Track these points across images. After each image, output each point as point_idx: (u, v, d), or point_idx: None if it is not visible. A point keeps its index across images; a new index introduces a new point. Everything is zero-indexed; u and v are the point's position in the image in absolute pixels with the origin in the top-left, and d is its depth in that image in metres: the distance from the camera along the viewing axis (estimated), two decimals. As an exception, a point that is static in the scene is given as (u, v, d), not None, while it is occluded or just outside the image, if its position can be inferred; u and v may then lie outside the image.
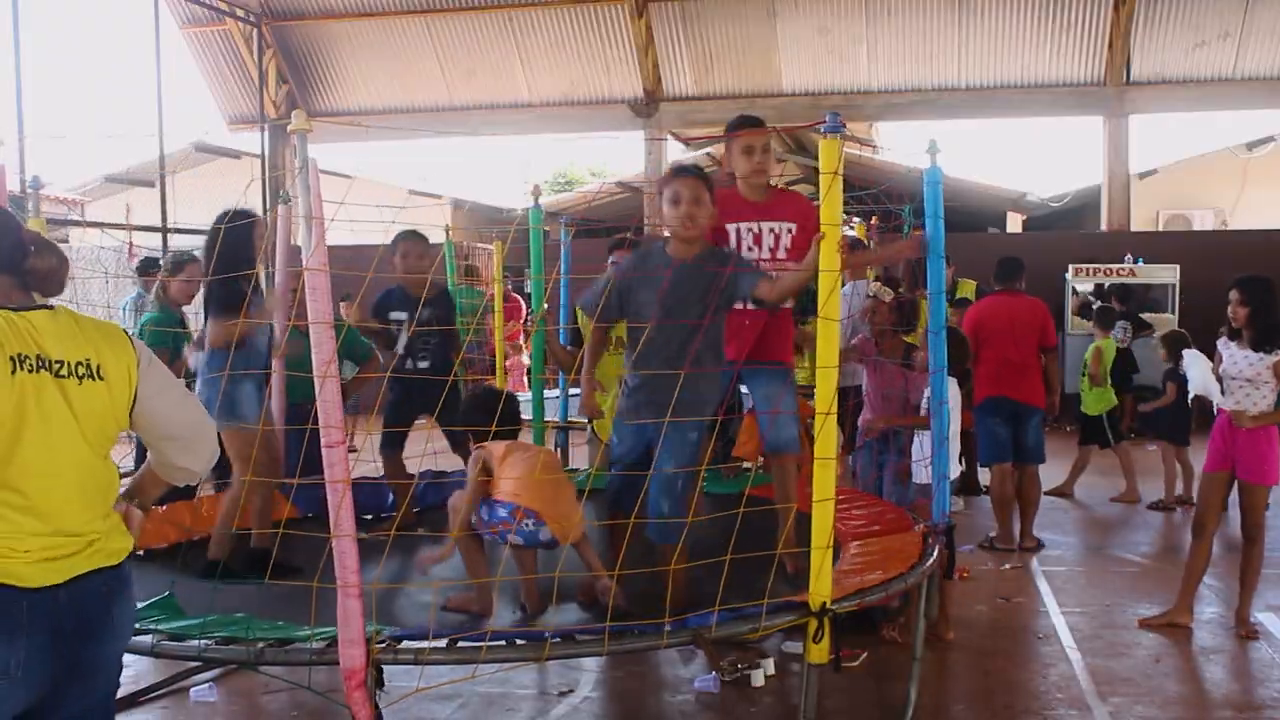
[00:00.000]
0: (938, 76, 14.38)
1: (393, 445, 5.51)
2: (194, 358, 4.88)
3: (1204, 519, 5.39)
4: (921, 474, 5.43)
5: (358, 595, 2.98)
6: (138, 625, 3.38)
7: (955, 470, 5.16)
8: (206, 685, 4.61)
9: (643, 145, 15.44)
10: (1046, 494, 8.54)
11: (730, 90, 14.98)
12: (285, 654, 3.23)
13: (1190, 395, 5.98)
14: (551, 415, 7.52)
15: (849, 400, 5.63)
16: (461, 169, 30.09)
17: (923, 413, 5.59)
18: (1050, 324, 7.14)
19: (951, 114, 14.80)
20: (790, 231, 4.37)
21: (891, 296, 5.78)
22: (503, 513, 3.95)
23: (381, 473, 5.61)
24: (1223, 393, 5.36)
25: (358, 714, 3.03)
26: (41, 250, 2.39)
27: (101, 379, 2.37)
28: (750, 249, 4.36)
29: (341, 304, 7.61)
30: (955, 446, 4.98)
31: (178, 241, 10.39)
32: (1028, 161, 36.67)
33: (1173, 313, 11.95)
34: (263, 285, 4.80)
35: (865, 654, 4.84)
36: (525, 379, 9.35)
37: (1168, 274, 12.24)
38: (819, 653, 3.35)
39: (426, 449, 5.47)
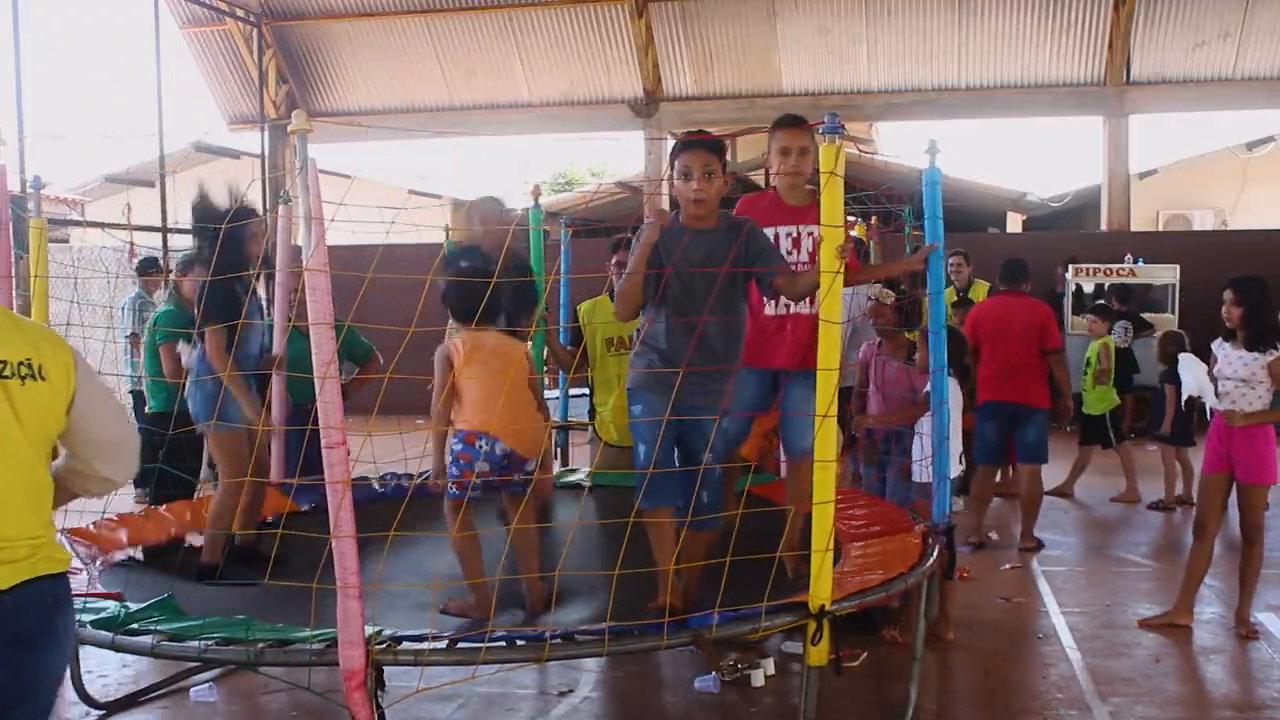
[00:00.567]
0: (938, 76, 14.38)
1: None
2: (187, 355, 4.87)
3: (1205, 520, 5.39)
4: (921, 473, 5.44)
5: (357, 596, 2.98)
6: (137, 625, 3.40)
7: (955, 470, 5.16)
8: (206, 685, 4.61)
9: (643, 145, 15.44)
10: (1046, 494, 8.55)
11: (730, 90, 14.98)
12: (285, 655, 3.23)
13: (1184, 397, 5.98)
14: (551, 415, 7.51)
15: (848, 401, 5.63)
16: (461, 169, 30.10)
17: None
18: (1052, 325, 7.09)
19: (951, 114, 14.80)
20: (814, 236, 4.24)
21: (893, 299, 5.79)
22: (457, 445, 4.01)
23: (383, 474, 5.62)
24: (1216, 394, 5.36)
25: (357, 714, 3.03)
26: None
27: (43, 379, 2.32)
28: (789, 253, 4.33)
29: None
30: (956, 446, 4.98)
31: (178, 242, 10.39)
32: (1028, 161, 36.73)
33: (1173, 313, 11.94)
34: (258, 288, 4.78)
35: (865, 654, 4.84)
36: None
37: (1168, 274, 12.24)
38: (818, 654, 3.36)
39: (426, 449, 5.47)
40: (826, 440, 3.35)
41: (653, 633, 3.35)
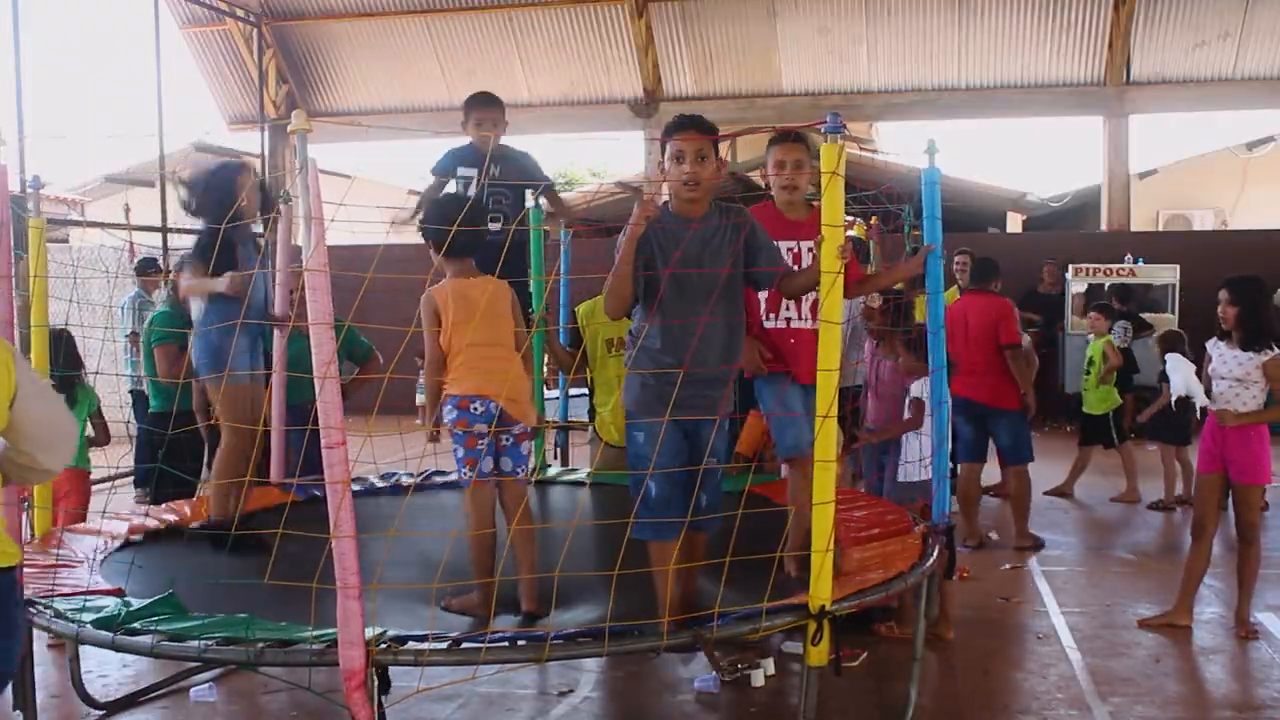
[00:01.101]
0: (938, 76, 14.38)
1: None
2: (194, 308, 4.90)
3: (1203, 521, 5.39)
4: (911, 473, 5.46)
5: (357, 596, 2.98)
6: (139, 624, 3.39)
7: (921, 474, 5.23)
8: (206, 685, 4.61)
9: (643, 145, 15.43)
10: (1046, 494, 8.56)
11: (730, 90, 14.98)
12: (285, 654, 3.23)
13: (1174, 398, 6.00)
14: (551, 415, 7.52)
15: (848, 401, 5.64)
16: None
17: (906, 410, 5.63)
18: (1007, 322, 6.98)
19: (951, 114, 14.80)
20: (814, 251, 4.27)
21: (880, 301, 5.82)
22: (451, 414, 3.98)
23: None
24: (1209, 394, 5.37)
25: (357, 715, 3.03)
26: None
27: None
28: (790, 269, 4.33)
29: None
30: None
31: (177, 242, 10.38)
32: (1028, 161, 36.70)
33: (1173, 313, 11.94)
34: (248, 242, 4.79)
35: (865, 654, 4.85)
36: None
37: (1168, 274, 12.24)
38: (818, 654, 3.35)
39: (425, 449, 5.47)
40: (826, 440, 3.35)
41: (653, 633, 3.35)
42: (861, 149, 15.91)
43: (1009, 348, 6.93)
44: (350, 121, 15.31)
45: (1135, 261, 12.38)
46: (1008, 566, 6.59)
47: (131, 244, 9.57)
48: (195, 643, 3.28)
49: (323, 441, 2.96)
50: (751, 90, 14.91)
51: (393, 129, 15.58)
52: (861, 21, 14.08)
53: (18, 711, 3.76)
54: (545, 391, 7.14)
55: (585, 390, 6.22)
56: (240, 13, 14.47)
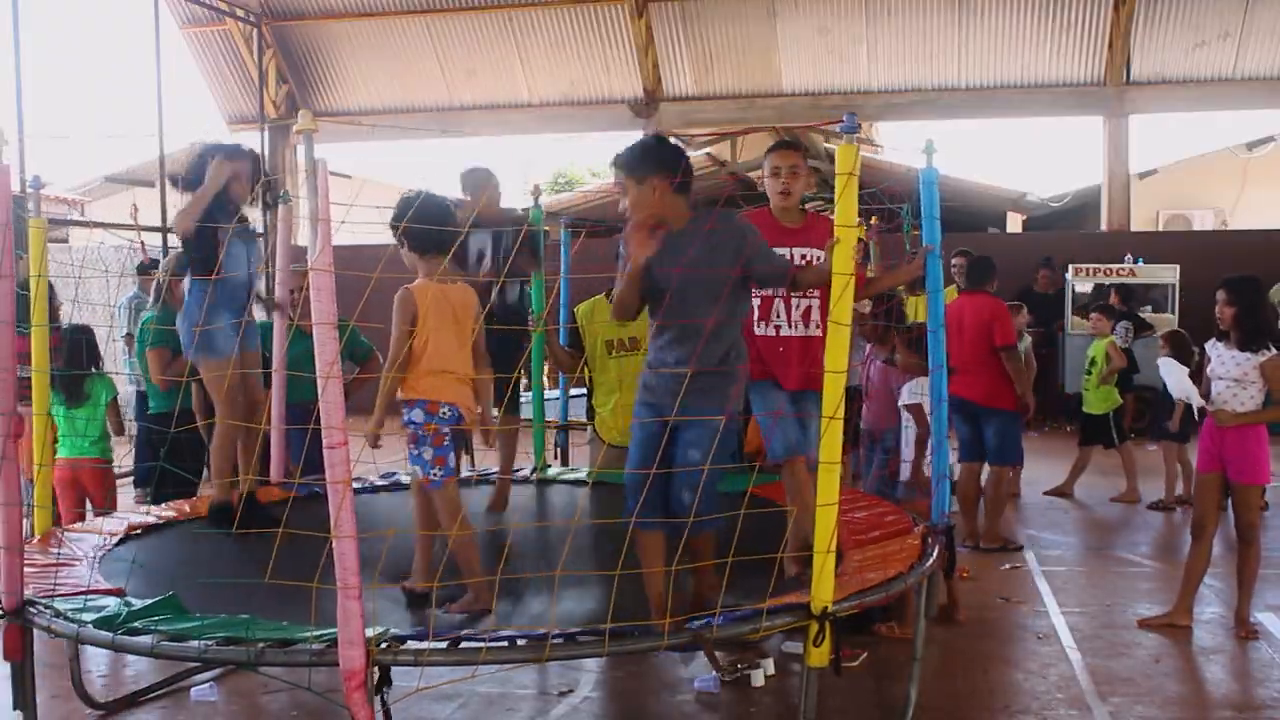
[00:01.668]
0: (938, 76, 14.37)
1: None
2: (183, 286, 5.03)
3: (1203, 521, 5.39)
4: (908, 471, 5.49)
5: (357, 596, 2.98)
6: (139, 625, 3.39)
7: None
8: (207, 685, 4.61)
9: (642, 145, 15.41)
10: (1046, 494, 8.57)
11: (730, 90, 14.98)
12: (285, 654, 3.23)
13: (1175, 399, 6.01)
14: (551, 415, 7.52)
15: (851, 401, 5.65)
16: (461, 169, 30.06)
17: (903, 405, 5.65)
18: (1001, 322, 6.97)
19: (951, 114, 14.80)
20: (818, 259, 4.20)
21: (870, 307, 5.85)
22: (419, 417, 3.99)
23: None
24: (1207, 395, 5.37)
25: (357, 715, 3.03)
26: None
27: None
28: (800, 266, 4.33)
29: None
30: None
31: (178, 242, 10.36)
32: (1028, 161, 36.69)
33: (1173, 313, 11.94)
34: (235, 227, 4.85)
35: (865, 654, 4.85)
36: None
37: (1168, 274, 12.24)
38: (819, 656, 3.35)
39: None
40: (831, 441, 3.35)
41: (653, 633, 3.35)
42: (861, 149, 15.91)
43: (1004, 349, 6.92)
44: (351, 121, 15.31)
45: (1135, 261, 12.38)
46: (1008, 566, 6.59)
47: (142, 244, 9.58)
48: (195, 643, 3.28)
49: (324, 441, 2.96)
50: (751, 90, 14.91)
51: (393, 129, 15.58)
52: (861, 21, 14.07)
53: (18, 711, 3.76)
54: (545, 391, 7.14)
55: (584, 390, 6.22)
56: (240, 13, 14.46)
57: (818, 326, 4.23)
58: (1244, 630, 5.25)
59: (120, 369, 8.02)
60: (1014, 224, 19.66)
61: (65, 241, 14.11)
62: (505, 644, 3.29)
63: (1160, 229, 16.88)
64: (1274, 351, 5.16)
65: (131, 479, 6.96)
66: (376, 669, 3.08)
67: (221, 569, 4.13)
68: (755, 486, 4.82)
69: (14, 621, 3.63)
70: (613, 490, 5.41)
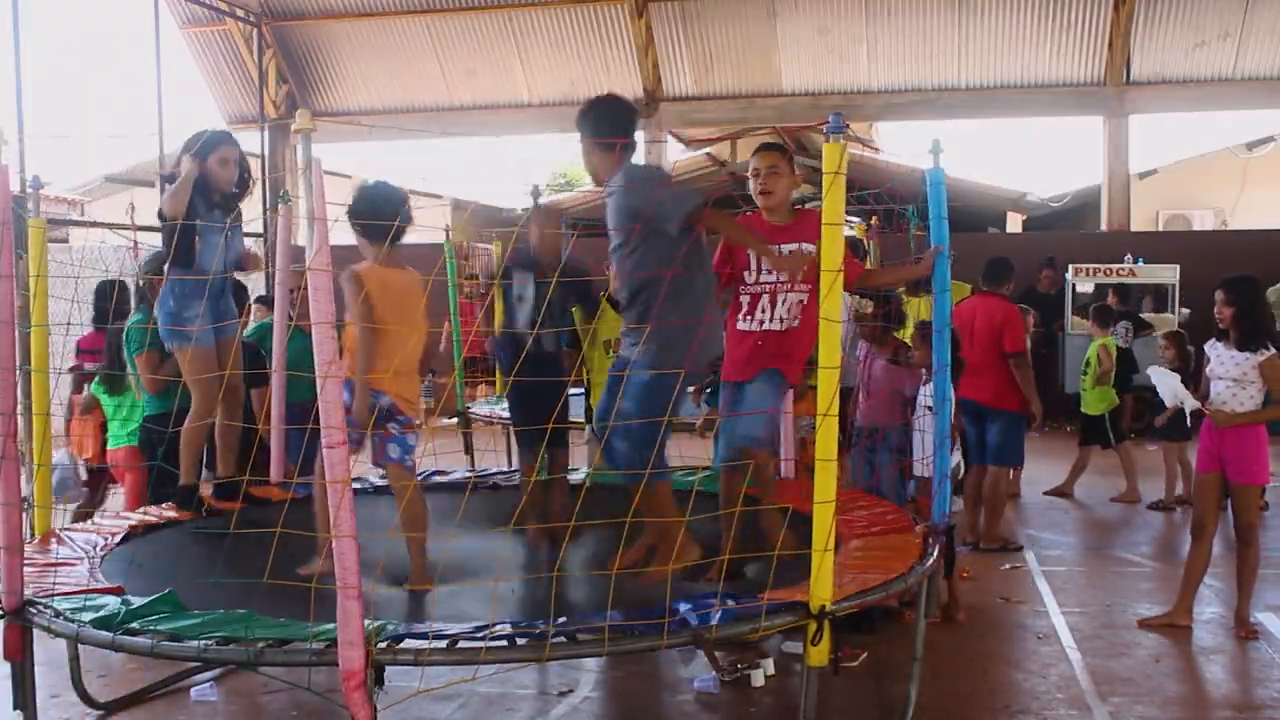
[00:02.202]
0: (938, 76, 14.37)
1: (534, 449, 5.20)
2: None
3: (1202, 521, 5.39)
4: (924, 469, 5.48)
5: (357, 596, 2.98)
6: (139, 624, 3.39)
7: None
8: (207, 685, 4.61)
9: (642, 145, 15.42)
10: (1046, 494, 8.57)
11: (730, 90, 14.97)
12: (285, 654, 3.23)
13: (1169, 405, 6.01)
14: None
15: (846, 400, 5.65)
16: (461, 169, 30.07)
17: (920, 409, 5.65)
18: (1012, 329, 6.96)
19: (951, 114, 14.78)
20: (810, 255, 4.25)
21: (871, 308, 5.85)
22: (387, 406, 4.13)
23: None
24: (1206, 395, 5.37)
25: (357, 715, 3.03)
26: None
27: None
28: (768, 270, 4.38)
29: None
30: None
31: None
32: (1028, 161, 36.61)
33: (1173, 312, 11.94)
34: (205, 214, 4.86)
35: (865, 654, 4.85)
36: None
37: (1168, 274, 12.23)
38: (818, 655, 3.35)
39: (427, 448, 5.47)
40: (827, 439, 3.35)
41: (653, 633, 3.34)
42: (864, 148, 15.91)
43: (1014, 355, 6.91)
44: (350, 121, 15.29)
45: (1135, 261, 12.38)
46: (1008, 566, 6.59)
47: (135, 243, 9.56)
48: (195, 642, 3.28)
49: (323, 441, 2.96)
50: (751, 90, 14.90)
51: (393, 129, 15.56)
52: (861, 21, 14.07)
53: (18, 711, 3.76)
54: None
55: (582, 390, 6.21)
56: (240, 13, 14.46)
57: (795, 320, 4.38)
58: (1244, 630, 5.25)
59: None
60: (1014, 224, 19.64)
61: (65, 241, 14.10)
62: (505, 644, 3.28)
63: (1160, 229, 16.88)
64: (1273, 351, 5.16)
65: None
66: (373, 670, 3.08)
67: (221, 568, 4.13)
68: (752, 489, 4.83)
69: (14, 621, 3.63)
70: (612, 490, 5.41)
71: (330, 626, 3.10)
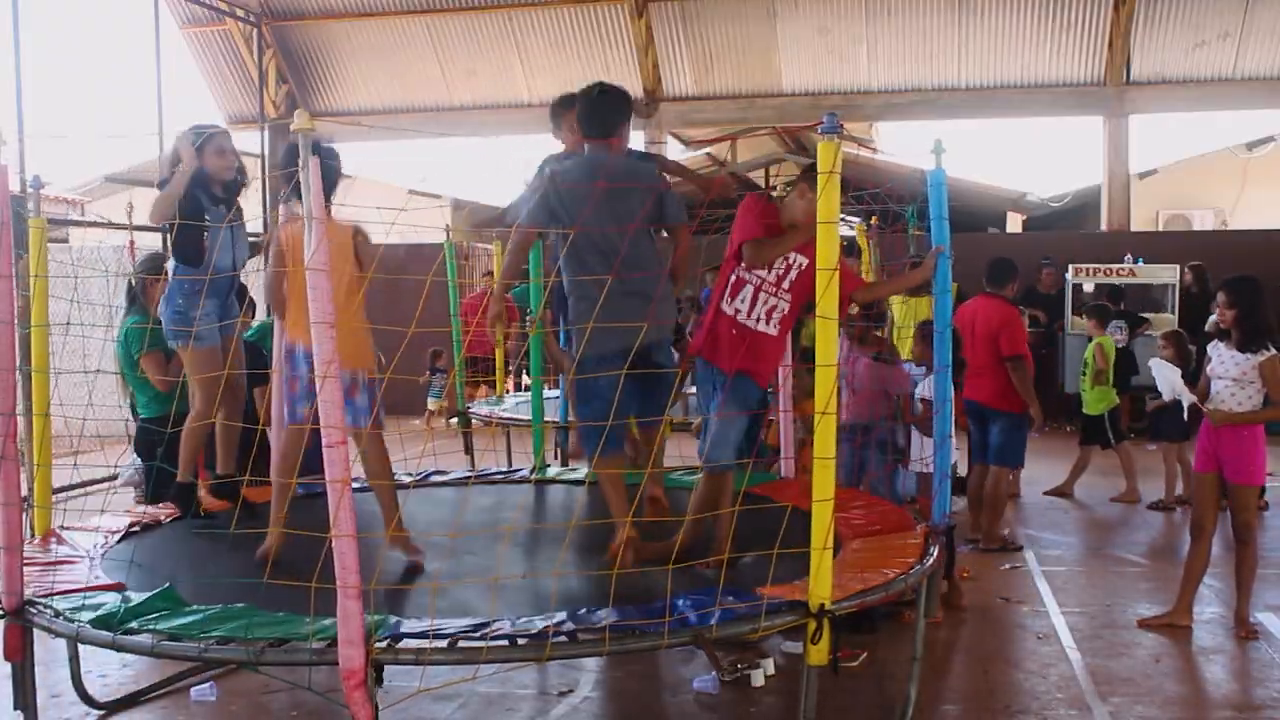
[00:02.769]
0: (938, 76, 14.37)
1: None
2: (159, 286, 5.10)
3: (1201, 521, 5.39)
4: (919, 469, 5.50)
5: (357, 596, 2.98)
6: (138, 623, 3.39)
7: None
8: (207, 685, 4.61)
9: (642, 145, 15.41)
10: (1046, 494, 8.57)
11: (730, 90, 14.97)
12: (285, 654, 3.22)
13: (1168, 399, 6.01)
14: (551, 415, 7.52)
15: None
16: (461, 169, 30.06)
17: (915, 406, 5.66)
18: (1011, 332, 6.93)
19: (951, 114, 14.79)
20: (801, 267, 4.26)
21: (858, 309, 5.86)
22: (304, 368, 4.13)
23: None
24: (1206, 394, 5.37)
25: (357, 714, 3.02)
26: None
27: None
28: (761, 278, 4.35)
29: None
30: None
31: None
32: (1028, 161, 36.58)
33: (1173, 313, 11.93)
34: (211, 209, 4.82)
35: (865, 654, 4.85)
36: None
37: (1168, 274, 12.23)
38: (818, 654, 3.35)
39: (427, 448, 5.47)
40: (825, 437, 3.35)
41: (653, 633, 3.34)
42: (862, 148, 15.90)
43: (1011, 359, 6.89)
44: (350, 121, 15.30)
45: (1135, 261, 12.37)
46: (1008, 566, 6.59)
47: (132, 243, 9.55)
48: (195, 642, 3.27)
49: (323, 440, 2.95)
50: (751, 90, 14.91)
51: (393, 129, 15.57)
52: (861, 21, 14.07)
53: (18, 711, 3.76)
54: (545, 391, 7.13)
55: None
56: (240, 13, 14.46)
57: (772, 328, 4.33)
58: (1244, 630, 5.25)
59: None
60: (1014, 224, 19.63)
61: (65, 241, 14.10)
62: (505, 643, 3.28)
63: (1160, 229, 16.88)
64: (1273, 352, 5.16)
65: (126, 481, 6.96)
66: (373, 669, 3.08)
67: (220, 568, 4.13)
68: (753, 487, 4.82)
69: (14, 621, 3.63)
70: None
71: (330, 624, 3.10)
